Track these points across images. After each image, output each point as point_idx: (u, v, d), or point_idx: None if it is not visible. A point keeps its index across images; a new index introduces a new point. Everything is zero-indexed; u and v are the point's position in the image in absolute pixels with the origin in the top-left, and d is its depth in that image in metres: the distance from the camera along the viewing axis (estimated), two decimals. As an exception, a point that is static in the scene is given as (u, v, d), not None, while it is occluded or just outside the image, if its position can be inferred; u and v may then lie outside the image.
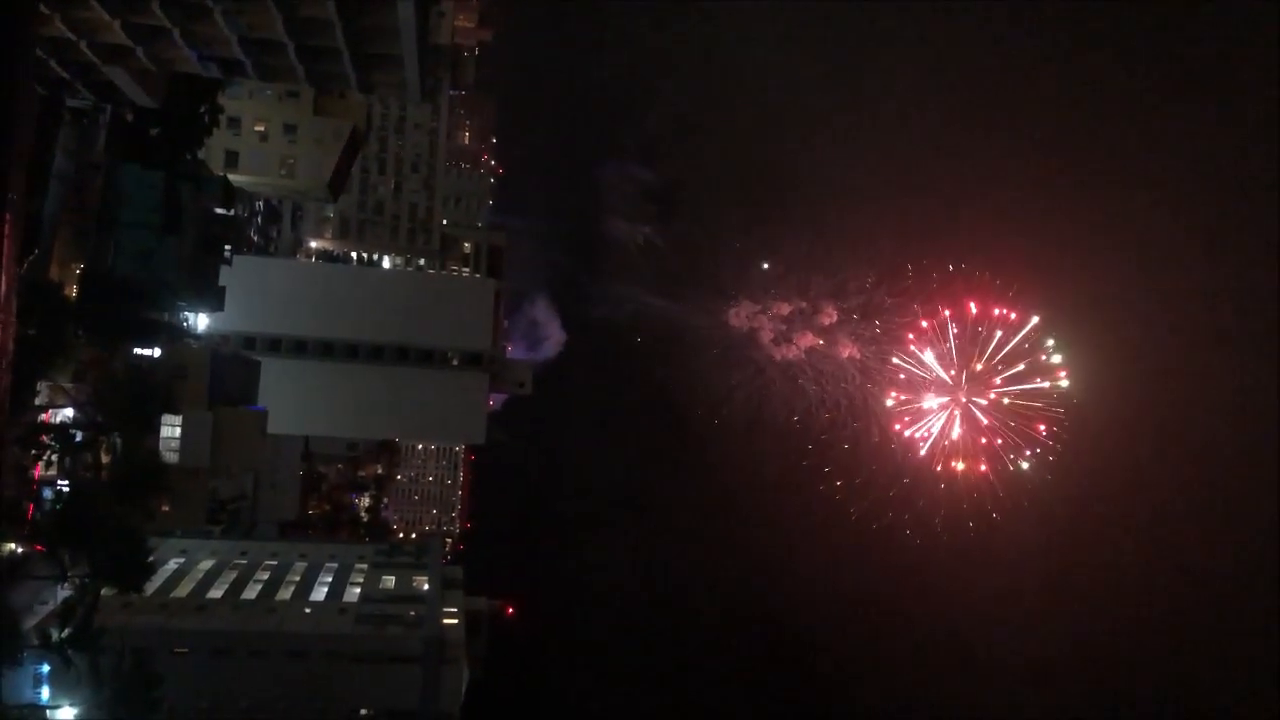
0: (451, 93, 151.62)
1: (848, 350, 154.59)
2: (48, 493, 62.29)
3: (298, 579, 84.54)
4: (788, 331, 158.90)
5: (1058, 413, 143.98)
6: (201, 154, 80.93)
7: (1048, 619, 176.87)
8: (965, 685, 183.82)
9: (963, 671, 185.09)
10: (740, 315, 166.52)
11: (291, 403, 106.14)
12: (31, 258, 58.57)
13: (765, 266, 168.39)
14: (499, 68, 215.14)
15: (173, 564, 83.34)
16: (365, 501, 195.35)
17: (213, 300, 79.43)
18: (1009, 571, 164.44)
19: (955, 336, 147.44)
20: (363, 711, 75.57)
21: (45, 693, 58.83)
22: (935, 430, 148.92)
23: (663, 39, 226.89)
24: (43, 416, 62.52)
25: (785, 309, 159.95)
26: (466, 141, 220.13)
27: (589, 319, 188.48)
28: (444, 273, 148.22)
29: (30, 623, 57.61)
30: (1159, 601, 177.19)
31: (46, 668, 57.75)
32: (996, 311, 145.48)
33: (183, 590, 79.02)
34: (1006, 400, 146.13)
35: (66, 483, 63.14)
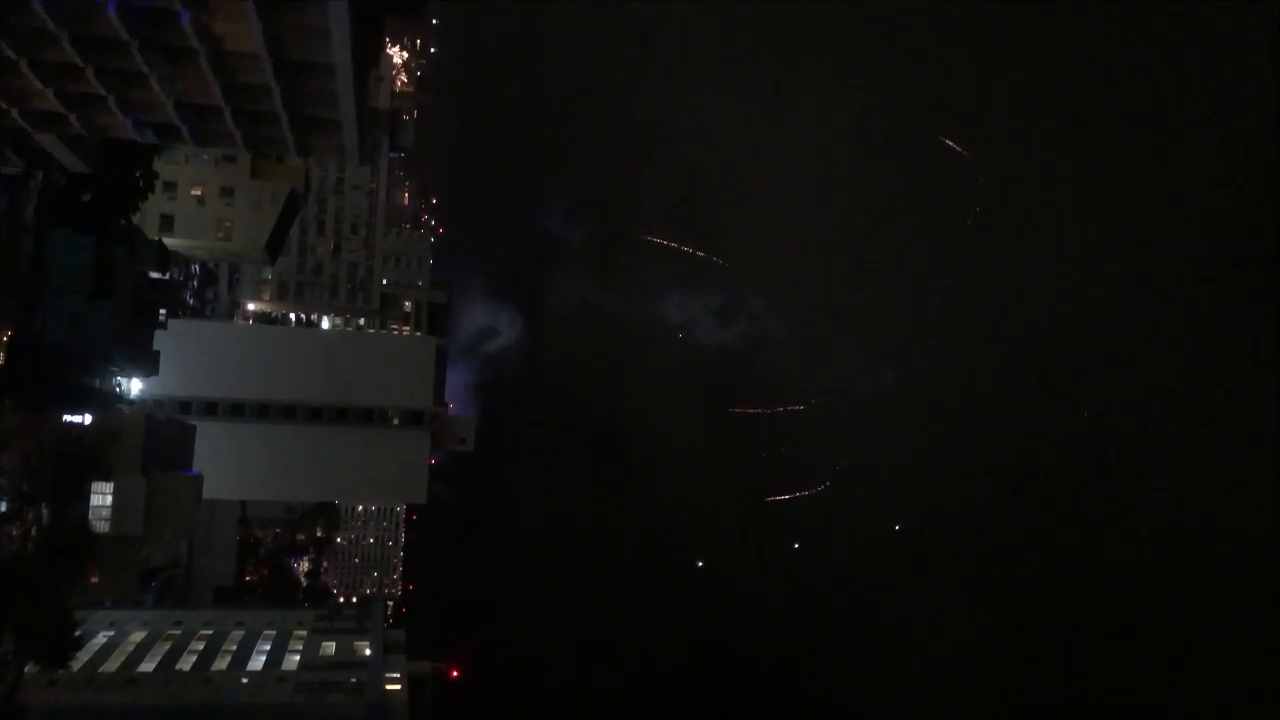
0: (391, 155, 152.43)
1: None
2: (-30, 566, 60.14)
3: (234, 648, 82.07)
4: (720, 320, 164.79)
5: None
6: (136, 218, 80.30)
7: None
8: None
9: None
10: (672, 307, 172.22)
11: (227, 466, 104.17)
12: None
13: (692, 263, 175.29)
14: (442, 121, 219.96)
15: (102, 637, 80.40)
16: (304, 565, 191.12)
17: (146, 364, 78.24)
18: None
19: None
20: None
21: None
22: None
23: (594, 68, 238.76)
24: (-35, 487, 60.68)
25: (716, 301, 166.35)
26: (406, 201, 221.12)
27: (540, 309, 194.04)
28: (384, 331, 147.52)
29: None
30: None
31: (-34, 750, 55.43)
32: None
33: (113, 664, 76.12)
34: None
35: (-10, 555, 61.11)
